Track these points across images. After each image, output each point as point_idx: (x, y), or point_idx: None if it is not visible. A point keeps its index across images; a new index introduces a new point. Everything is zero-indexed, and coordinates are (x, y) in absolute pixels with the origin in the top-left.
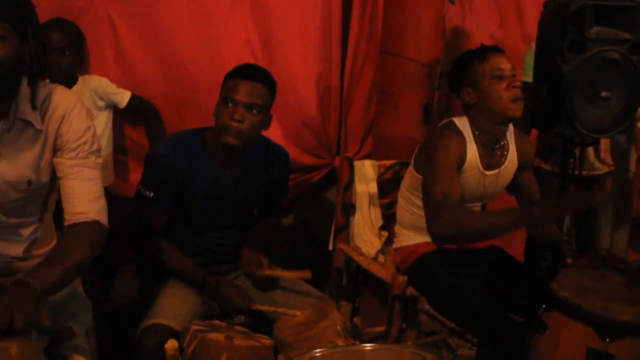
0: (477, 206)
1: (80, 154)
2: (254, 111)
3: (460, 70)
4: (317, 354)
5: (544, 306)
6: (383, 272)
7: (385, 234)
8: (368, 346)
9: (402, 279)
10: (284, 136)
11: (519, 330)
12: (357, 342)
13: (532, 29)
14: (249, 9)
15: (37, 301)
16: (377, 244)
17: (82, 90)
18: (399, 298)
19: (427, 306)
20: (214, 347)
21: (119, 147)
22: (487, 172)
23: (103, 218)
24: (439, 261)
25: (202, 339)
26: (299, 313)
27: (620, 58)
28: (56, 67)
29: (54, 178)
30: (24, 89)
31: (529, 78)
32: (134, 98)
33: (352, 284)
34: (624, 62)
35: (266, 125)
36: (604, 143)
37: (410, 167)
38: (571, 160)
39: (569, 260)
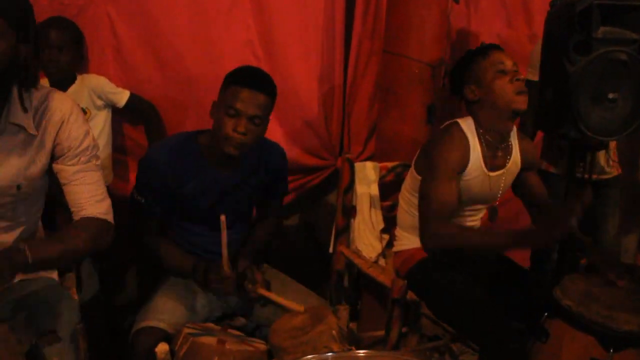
0: (483, 208)
1: (82, 159)
2: (257, 122)
3: (462, 69)
4: None
5: (546, 314)
6: (383, 276)
7: (386, 237)
8: (362, 352)
9: (401, 283)
10: (286, 137)
11: (520, 338)
12: (353, 348)
13: (540, 28)
14: (249, 8)
15: (19, 266)
16: (378, 247)
17: (80, 89)
18: (398, 303)
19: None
20: (205, 351)
21: (119, 146)
22: (491, 173)
23: (110, 217)
24: (439, 266)
25: (193, 342)
26: (302, 308)
27: (628, 59)
28: (54, 65)
29: (45, 182)
30: (16, 93)
31: (535, 77)
32: (132, 97)
33: (353, 287)
34: (631, 63)
35: (265, 132)
36: (613, 146)
37: (412, 169)
38: (581, 164)
39: (583, 261)
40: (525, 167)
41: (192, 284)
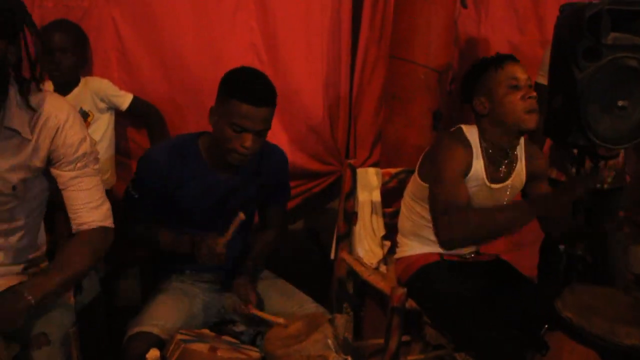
0: None
1: (78, 165)
2: (263, 133)
3: (474, 79)
4: None
5: (546, 326)
6: (383, 283)
7: (388, 243)
8: None
9: (401, 291)
10: (290, 142)
11: (519, 350)
12: (349, 358)
13: (552, 34)
14: (253, 11)
15: (25, 312)
16: (379, 253)
17: (83, 91)
18: (397, 311)
19: None
20: (196, 358)
21: (122, 149)
22: (493, 186)
23: (108, 222)
24: (440, 274)
25: (185, 349)
26: (282, 321)
27: (639, 66)
28: (57, 68)
29: (44, 187)
30: (13, 97)
31: (545, 80)
32: (135, 100)
33: (357, 294)
34: None
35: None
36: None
37: (415, 175)
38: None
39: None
40: (532, 178)
41: (190, 289)
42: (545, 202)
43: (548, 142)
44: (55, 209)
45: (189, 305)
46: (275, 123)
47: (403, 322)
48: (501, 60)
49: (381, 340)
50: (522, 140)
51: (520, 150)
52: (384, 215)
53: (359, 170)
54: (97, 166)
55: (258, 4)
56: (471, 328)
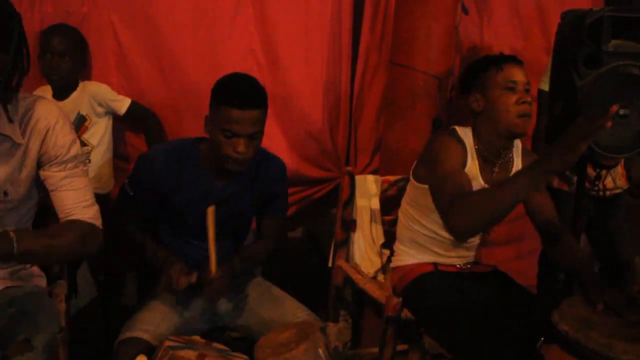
0: None
1: (69, 165)
2: (255, 136)
3: (474, 73)
4: None
5: (542, 338)
6: (379, 292)
7: (386, 252)
8: None
9: (395, 300)
10: (290, 148)
11: None
12: None
13: None
14: (252, 16)
15: (2, 255)
16: (377, 262)
17: (81, 95)
18: (392, 320)
19: None
20: None
21: (120, 154)
22: (488, 187)
23: (98, 222)
24: (435, 284)
25: (172, 355)
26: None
27: None
28: (56, 72)
29: (34, 193)
30: (1, 104)
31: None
32: (133, 105)
33: (355, 301)
34: None
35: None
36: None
37: (411, 180)
38: (596, 182)
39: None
40: None
41: (183, 295)
42: (543, 157)
43: None
44: (47, 214)
45: (181, 311)
46: (275, 129)
47: (397, 332)
48: (503, 60)
49: (376, 349)
50: (518, 143)
51: (517, 152)
52: (383, 223)
53: (358, 178)
54: (86, 168)
55: (257, 9)
56: (466, 339)
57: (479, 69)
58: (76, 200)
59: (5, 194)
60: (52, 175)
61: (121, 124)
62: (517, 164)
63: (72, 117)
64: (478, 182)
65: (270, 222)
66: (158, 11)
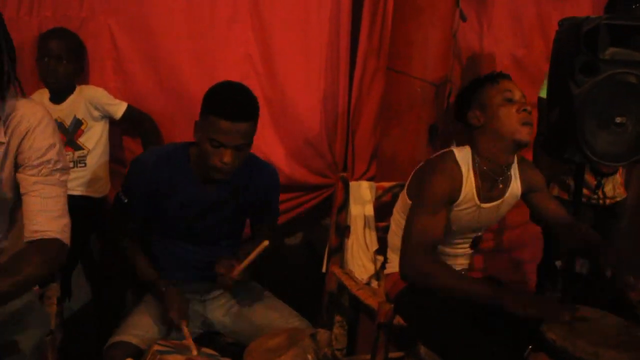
0: (470, 237)
1: (43, 170)
2: (242, 148)
3: (469, 94)
4: None
5: (530, 346)
6: (371, 299)
7: (380, 258)
8: None
9: (387, 307)
10: (287, 155)
11: None
12: None
13: None
14: (249, 22)
15: None
16: (371, 268)
17: (77, 99)
18: (383, 327)
19: None
20: None
21: (116, 158)
22: (483, 205)
23: (64, 236)
24: (427, 291)
25: None
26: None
27: (637, 81)
28: (53, 76)
29: (13, 195)
30: None
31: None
32: (130, 109)
33: (352, 307)
34: None
35: (250, 148)
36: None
37: (404, 192)
38: (596, 191)
39: (609, 274)
40: (529, 191)
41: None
42: (508, 294)
43: None
44: None
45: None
46: (272, 135)
47: (389, 338)
48: (497, 76)
49: (369, 356)
50: (515, 159)
51: (515, 168)
52: (377, 229)
53: (352, 184)
54: (64, 177)
55: (254, 15)
56: (456, 347)
57: (473, 89)
58: (43, 209)
59: None
60: (25, 179)
61: (117, 128)
62: (516, 180)
63: (69, 120)
64: (474, 203)
65: (264, 229)
66: (156, 16)
